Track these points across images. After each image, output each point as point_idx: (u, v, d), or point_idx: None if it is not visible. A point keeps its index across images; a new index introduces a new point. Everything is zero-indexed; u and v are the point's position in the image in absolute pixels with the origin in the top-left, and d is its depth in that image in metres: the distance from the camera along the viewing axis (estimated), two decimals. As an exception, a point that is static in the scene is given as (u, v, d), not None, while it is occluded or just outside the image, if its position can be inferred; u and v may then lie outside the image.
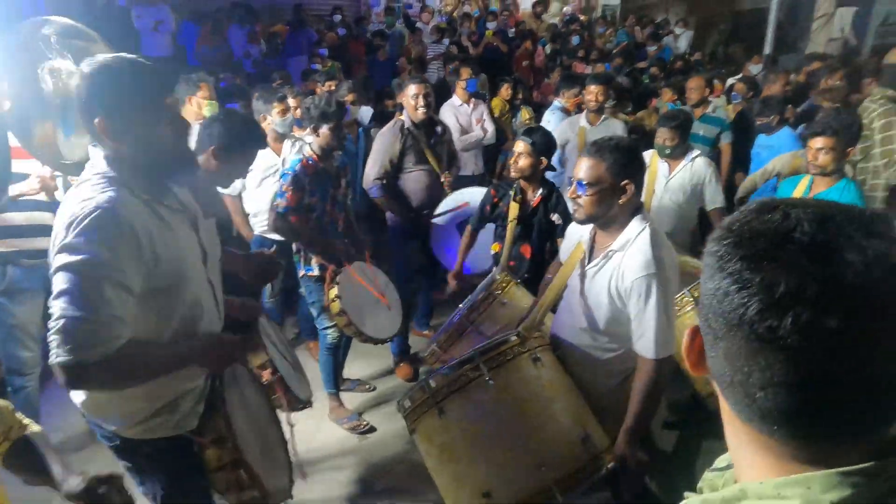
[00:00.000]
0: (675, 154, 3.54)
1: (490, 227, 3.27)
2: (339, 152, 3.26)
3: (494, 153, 5.81)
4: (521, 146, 2.92)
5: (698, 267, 2.57)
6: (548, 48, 9.08)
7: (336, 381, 3.42)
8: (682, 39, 10.16)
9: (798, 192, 2.93)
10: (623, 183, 1.93)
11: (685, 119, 3.61)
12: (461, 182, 4.17)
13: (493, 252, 3.16)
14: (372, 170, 3.67)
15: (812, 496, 0.57)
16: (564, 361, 2.11)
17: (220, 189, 2.71)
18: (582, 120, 4.40)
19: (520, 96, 5.96)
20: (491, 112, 5.42)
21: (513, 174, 3.00)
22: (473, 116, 4.96)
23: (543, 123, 4.73)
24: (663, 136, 3.52)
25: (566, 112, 4.91)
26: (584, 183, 1.95)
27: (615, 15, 11.28)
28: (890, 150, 3.70)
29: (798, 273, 0.54)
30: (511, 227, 2.97)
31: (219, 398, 1.79)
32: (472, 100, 4.98)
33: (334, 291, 2.80)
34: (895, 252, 0.55)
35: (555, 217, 3.00)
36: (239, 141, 2.28)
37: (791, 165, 3.63)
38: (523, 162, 2.90)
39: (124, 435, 1.66)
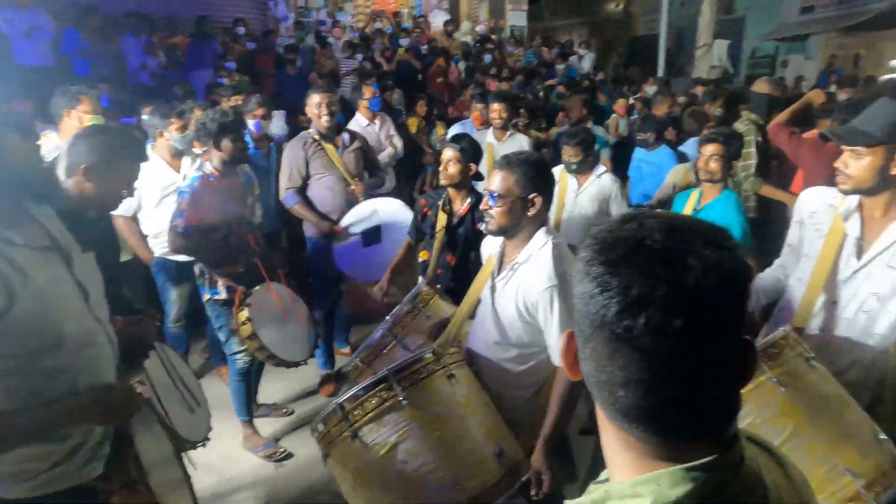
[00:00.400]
0: (582, 169, 3.74)
1: (391, 237, 3.31)
2: (244, 167, 3.17)
3: (412, 169, 5.87)
4: (449, 153, 2.94)
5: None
6: (462, 65, 9.32)
7: (249, 408, 3.29)
8: (585, 60, 10.81)
9: (690, 203, 3.13)
10: (531, 196, 2.00)
11: (586, 136, 3.77)
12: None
13: (421, 260, 3.18)
14: (282, 181, 3.69)
15: (662, 493, 0.61)
16: (480, 376, 2.13)
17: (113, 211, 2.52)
18: (489, 136, 4.54)
19: (434, 112, 6.07)
20: (406, 127, 5.46)
21: (442, 182, 3.02)
22: (382, 134, 4.95)
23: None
24: (567, 152, 3.73)
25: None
26: (496, 195, 2.01)
27: (523, 35, 11.81)
28: (748, 164, 4.16)
29: (649, 277, 0.58)
30: (439, 237, 3.00)
31: (125, 437, 1.66)
32: (378, 117, 4.97)
33: (244, 314, 2.69)
34: (727, 261, 0.60)
35: (482, 226, 3.05)
36: (111, 157, 2.05)
37: (685, 179, 3.92)
38: (453, 169, 2.92)
39: (13, 496, 1.44)
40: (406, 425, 1.86)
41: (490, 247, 2.30)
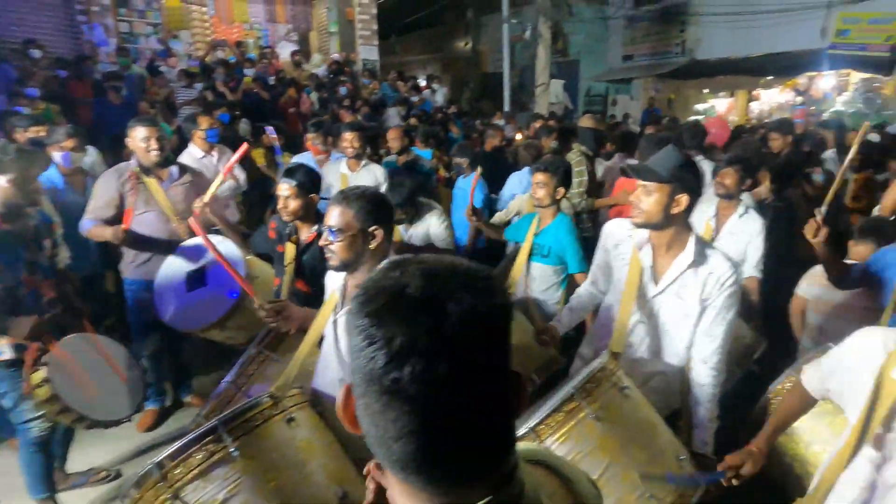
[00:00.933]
0: (409, 220, 3.75)
1: (218, 281, 3.11)
2: (35, 208, 2.77)
3: (260, 202, 5.63)
4: (285, 189, 2.82)
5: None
6: (314, 96, 9.27)
7: (48, 483, 2.84)
8: (438, 94, 11.31)
9: (532, 227, 3.31)
10: (371, 229, 1.98)
11: (412, 189, 3.73)
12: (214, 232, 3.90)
13: (274, 288, 3.05)
14: (86, 212, 3.37)
15: None
16: (325, 416, 2.04)
17: None
18: (342, 166, 4.51)
19: (282, 142, 5.91)
20: (252, 159, 5.24)
21: (285, 219, 2.90)
22: (221, 166, 4.66)
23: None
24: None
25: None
26: (335, 230, 1.97)
27: (376, 68, 12.12)
28: (581, 190, 4.74)
29: (411, 326, 0.58)
30: (289, 269, 2.90)
31: None
32: (217, 148, 4.70)
33: (40, 375, 2.32)
34: (485, 303, 0.61)
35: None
36: None
37: (529, 204, 4.11)
38: (293, 204, 2.81)
39: None
40: (237, 478, 1.70)
41: (333, 281, 2.24)
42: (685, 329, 2.14)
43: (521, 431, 1.76)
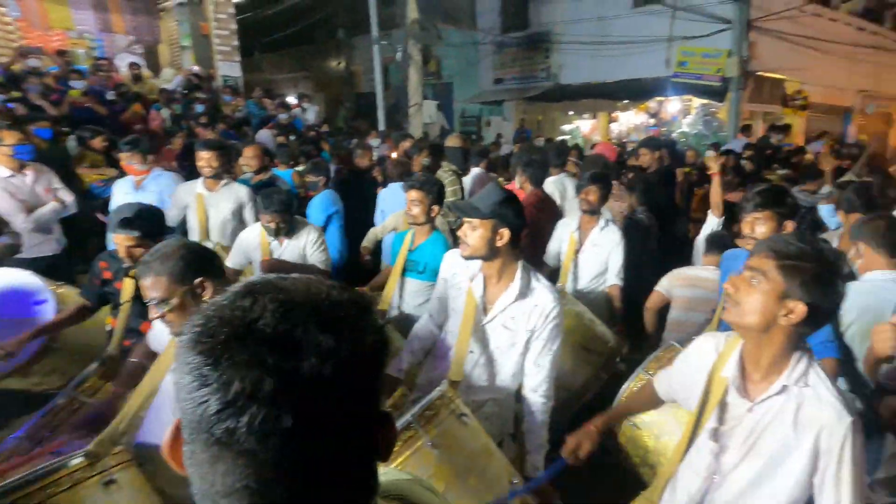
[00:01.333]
0: (284, 233, 3.52)
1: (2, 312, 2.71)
2: None
3: (90, 226, 5.08)
4: (123, 240, 2.54)
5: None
6: (165, 113, 8.61)
7: None
8: (309, 112, 11.04)
9: (405, 244, 3.30)
10: (197, 282, 1.82)
11: (288, 199, 3.55)
12: (37, 264, 3.42)
13: (108, 328, 2.79)
14: None
15: None
16: (154, 476, 1.78)
17: None
18: (199, 186, 4.16)
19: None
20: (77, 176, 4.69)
21: (126, 263, 2.61)
22: (39, 187, 4.11)
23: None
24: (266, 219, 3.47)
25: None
26: (157, 302, 1.79)
27: (238, 85, 11.61)
28: None
29: (256, 369, 0.50)
30: (125, 307, 2.66)
31: None
32: (32, 167, 4.12)
33: None
34: (346, 346, 0.53)
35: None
36: None
37: (404, 221, 4.09)
38: (138, 253, 2.52)
39: None
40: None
41: (163, 333, 2.05)
42: (513, 358, 2.25)
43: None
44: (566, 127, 16.02)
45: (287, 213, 3.49)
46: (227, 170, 4.39)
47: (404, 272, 3.26)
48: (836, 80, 14.19)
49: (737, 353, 1.53)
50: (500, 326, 2.24)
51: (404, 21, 9.64)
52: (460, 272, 2.35)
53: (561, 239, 3.84)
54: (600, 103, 14.68)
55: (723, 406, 1.53)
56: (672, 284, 3.56)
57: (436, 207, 3.26)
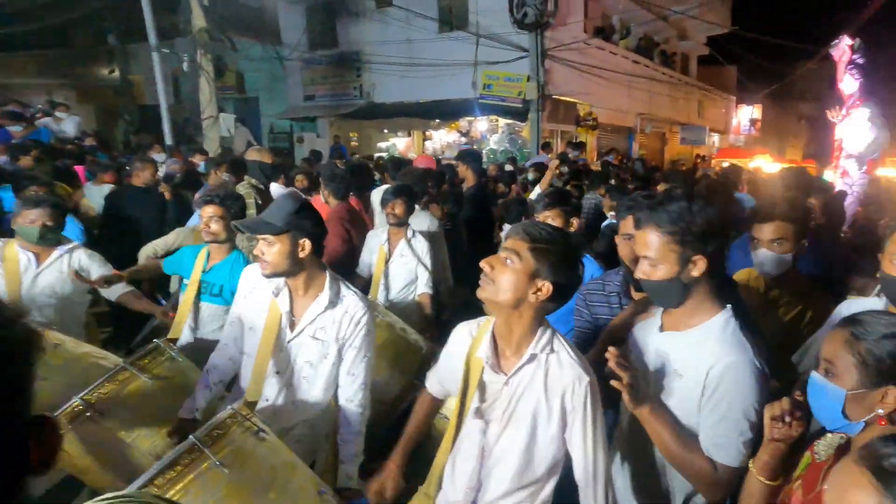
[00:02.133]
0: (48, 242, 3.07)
1: None
2: None
3: None
4: None
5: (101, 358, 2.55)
6: None
7: None
8: (67, 124, 9.54)
9: (198, 264, 3.08)
10: None
11: (58, 205, 3.12)
12: None
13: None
14: None
15: None
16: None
17: None
18: None
19: None
20: None
21: None
22: None
23: None
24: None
25: None
26: None
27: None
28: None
29: None
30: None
31: None
32: None
33: None
34: None
35: None
36: None
37: (193, 237, 3.90)
38: None
39: None
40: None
41: None
42: (325, 371, 2.21)
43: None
44: (382, 144, 16.18)
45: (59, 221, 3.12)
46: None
47: (199, 295, 3.04)
48: (619, 104, 16.28)
49: (489, 335, 1.68)
50: (309, 339, 2.19)
51: (189, 28, 8.84)
52: (261, 287, 2.23)
53: (371, 250, 3.89)
54: (414, 122, 15.07)
55: (482, 385, 1.67)
56: None
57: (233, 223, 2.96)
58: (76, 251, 3.18)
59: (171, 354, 2.48)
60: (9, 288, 3.00)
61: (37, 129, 8.32)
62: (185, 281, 3.19)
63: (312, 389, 2.23)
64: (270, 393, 2.21)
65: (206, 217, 3.03)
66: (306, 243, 2.09)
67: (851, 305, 2.02)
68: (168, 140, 9.27)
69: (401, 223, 3.77)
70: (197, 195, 4.93)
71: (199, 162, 6.00)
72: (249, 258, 3.12)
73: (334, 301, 2.18)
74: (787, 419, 1.36)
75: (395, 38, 14.18)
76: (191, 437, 1.76)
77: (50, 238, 3.06)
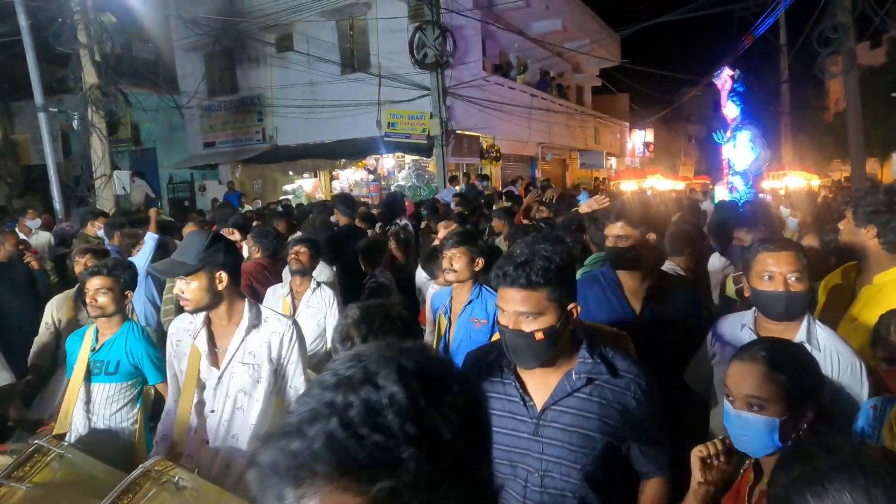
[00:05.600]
0: None
1: None
2: None
3: None
4: None
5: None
6: None
7: None
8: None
9: (86, 342, 2.87)
10: None
11: None
12: None
13: None
14: None
15: None
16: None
17: None
18: None
19: None
20: None
21: None
22: None
23: None
24: None
25: None
26: None
27: None
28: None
29: None
30: None
31: None
32: None
33: None
34: None
35: None
36: None
37: (67, 304, 3.67)
38: None
39: None
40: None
41: None
42: (259, 395, 2.27)
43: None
44: (288, 187, 16.24)
45: None
46: None
47: (89, 377, 2.82)
48: (520, 136, 17.24)
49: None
50: (239, 365, 2.25)
51: (80, 85, 8.63)
52: (183, 336, 2.34)
53: (272, 306, 3.75)
54: (319, 162, 15.27)
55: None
56: None
57: (129, 293, 2.99)
58: None
59: (57, 453, 2.13)
60: None
61: None
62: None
63: (248, 419, 2.25)
64: (210, 432, 2.25)
65: (92, 290, 2.83)
66: (222, 275, 2.18)
67: (724, 323, 2.23)
68: (57, 202, 8.95)
69: (305, 272, 3.79)
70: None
71: (99, 225, 5.87)
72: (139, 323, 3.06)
73: (255, 323, 2.28)
74: (717, 462, 1.44)
75: (297, 81, 14.48)
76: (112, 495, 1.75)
77: None
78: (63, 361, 3.14)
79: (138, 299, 4.19)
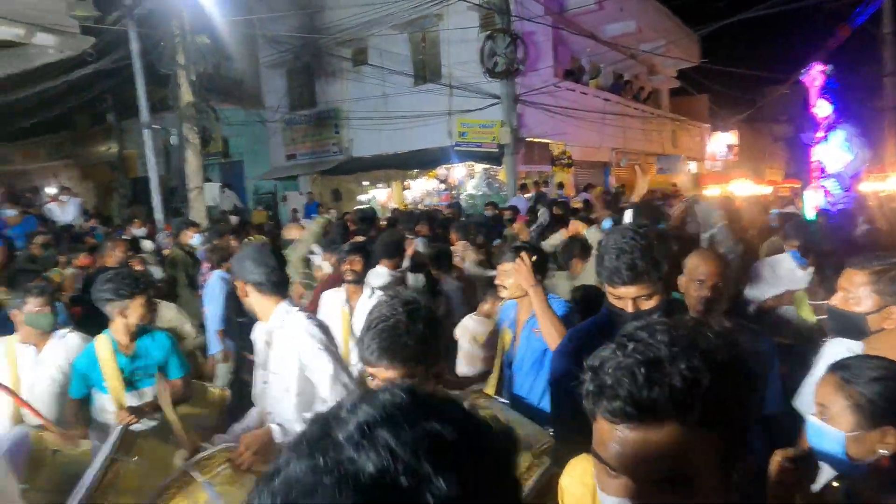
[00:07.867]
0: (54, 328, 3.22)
1: None
2: None
3: None
4: None
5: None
6: None
7: None
8: (69, 207, 10.20)
9: (103, 351, 3.01)
10: None
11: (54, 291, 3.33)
12: None
13: None
14: None
15: None
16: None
17: None
18: None
19: None
20: None
21: None
22: None
23: None
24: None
25: None
26: None
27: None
28: None
29: None
30: None
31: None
32: None
33: None
34: None
35: None
36: None
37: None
38: None
39: None
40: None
41: None
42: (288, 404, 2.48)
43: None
44: (363, 197, 16.92)
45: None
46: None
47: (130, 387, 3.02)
48: (593, 141, 17.10)
49: None
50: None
51: (177, 103, 9.56)
52: (258, 335, 2.67)
53: (329, 315, 3.84)
54: (392, 173, 15.84)
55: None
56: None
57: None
58: (68, 335, 3.28)
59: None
60: (12, 384, 3.06)
61: (28, 216, 8.76)
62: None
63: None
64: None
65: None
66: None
67: (835, 346, 2.14)
68: (158, 213, 9.88)
69: (359, 280, 3.89)
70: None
71: (192, 235, 6.44)
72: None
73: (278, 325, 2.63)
74: (798, 465, 1.39)
75: (371, 94, 15.09)
76: (181, 465, 2.03)
77: (56, 325, 3.20)
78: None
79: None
